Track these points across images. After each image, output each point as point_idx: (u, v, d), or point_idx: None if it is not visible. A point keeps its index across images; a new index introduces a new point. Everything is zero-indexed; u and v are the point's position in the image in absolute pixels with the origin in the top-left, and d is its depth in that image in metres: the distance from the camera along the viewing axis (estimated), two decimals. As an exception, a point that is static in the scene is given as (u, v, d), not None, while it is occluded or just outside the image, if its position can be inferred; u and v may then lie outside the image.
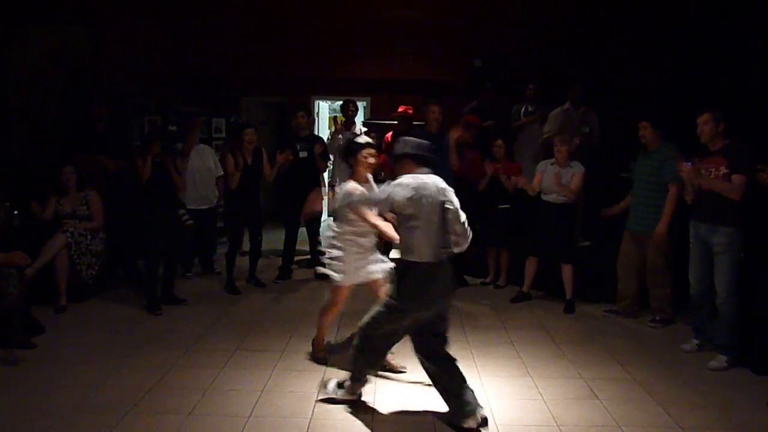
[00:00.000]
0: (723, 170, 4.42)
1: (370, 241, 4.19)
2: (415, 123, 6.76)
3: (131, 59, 7.94)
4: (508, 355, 4.65)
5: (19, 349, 4.42)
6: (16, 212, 5.40)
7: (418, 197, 3.47)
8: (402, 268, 3.55)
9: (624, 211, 5.58)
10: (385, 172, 6.49)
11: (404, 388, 4.05)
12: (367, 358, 3.68)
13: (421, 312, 3.52)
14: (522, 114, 7.54)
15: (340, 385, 3.78)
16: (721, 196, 4.41)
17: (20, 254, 4.55)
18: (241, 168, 6.00)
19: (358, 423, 3.56)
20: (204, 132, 7.83)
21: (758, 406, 3.86)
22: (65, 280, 5.46)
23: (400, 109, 7.15)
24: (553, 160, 5.82)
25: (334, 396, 3.77)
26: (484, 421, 3.52)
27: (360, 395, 3.78)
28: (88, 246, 5.64)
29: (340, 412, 3.68)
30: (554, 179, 5.65)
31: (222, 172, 6.51)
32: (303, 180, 6.44)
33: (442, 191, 3.57)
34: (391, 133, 7.03)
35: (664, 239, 5.05)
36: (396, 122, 7.06)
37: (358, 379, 3.72)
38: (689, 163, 4.57)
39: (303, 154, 6.59)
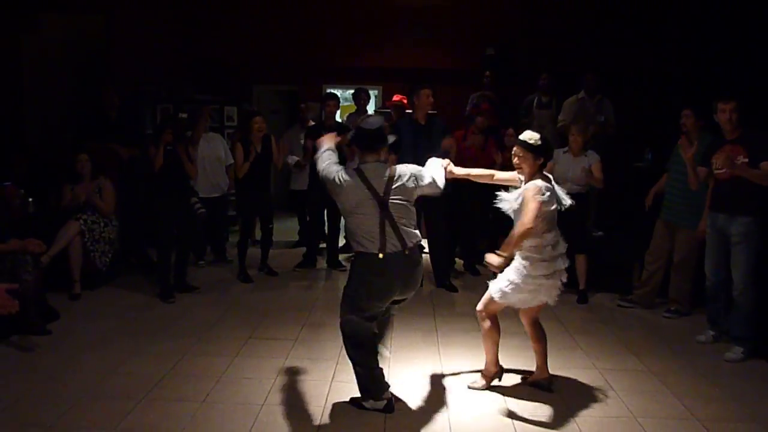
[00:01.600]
0: (741, 159, 4.34)
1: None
2: (408, 111, 6.71)
3: (144, 47, 7.94)
4: (522, 346, 4.59)
5: (34, 335, 4.46)
6: (30, 200, 5.43)
7: (344, 187, 3.39)
8: (354, 257, 3.55)
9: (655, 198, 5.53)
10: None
11: (417, 377, 4.04)
12: (359, 352, 3.52)
13: (374, 303, 3.45)
14: (535, 105, 7.47)
15: (362, 398, 3.56)
16: (740, 185, 4.34)
17: (35, 241, 4.59)
18: (253, 157, 5.99)
19: (367, 412, 3.55)
20: (216, 120, 7.83)
21: (775, 398, 3.82)
22: (79, 268, 5.48)
23: (394, 98, 7.10)
24: (566, 149, 5.76)
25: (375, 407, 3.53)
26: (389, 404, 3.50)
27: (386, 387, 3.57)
28: (101, 233, 5.66)
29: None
30: (581, 173, 5.56)
31: (232, 161, 6.51)
32: None
33: (388, 180, 3.41)
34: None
35: (705, 235, 4.81)
36: (390, 111, 7.03)
37: (369, 379, 3.52)
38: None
39: None
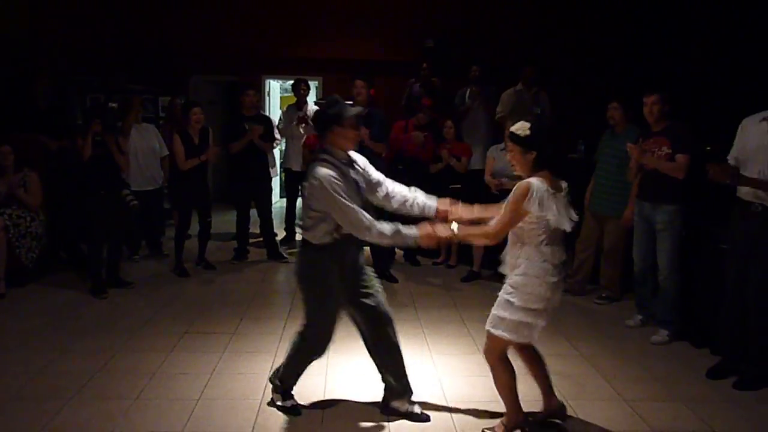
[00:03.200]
0: (665, 150, 4.53)
1: None
2: (347, 102, 6.70)
3: (73, 34, 7.63)
4: (459, 333, 4.71)
5: (-46, 336, 4.25)
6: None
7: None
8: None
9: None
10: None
11: (355, 368, 4.05)
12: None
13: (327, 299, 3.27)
14: (467, 97, 7.57)
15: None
16: (664, 175, 4.52)
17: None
18: (205, 158, 5.90)
19: (311, 402, 3.54)
20: (150, 111, 7.62)
21: (698, 378, 4.00)
22: (4, 265, 5.25)
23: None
24: (503, 146, 5.85)
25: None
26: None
27: None
28: (27, 228, 5.43)
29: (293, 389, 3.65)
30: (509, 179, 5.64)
31: (167, 153, 6.35)
32: (253, 161, 6.37)
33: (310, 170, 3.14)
34: None
35: (631, 223, 5.00)
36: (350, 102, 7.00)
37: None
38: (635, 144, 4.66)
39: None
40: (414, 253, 6.77)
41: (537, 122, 3.20)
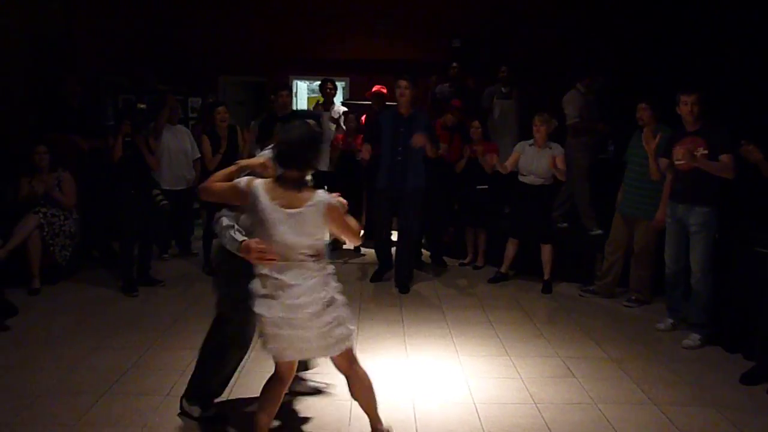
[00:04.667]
0: (701, 151, 4.45)
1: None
2: (388, 103, 6.71)
3: (105, 35, 7.76)
4: (487, 335, 4.69)
5: (-9, 330, 4.36)
6: (-13, 193, 5.29)
7: None
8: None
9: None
10: (362, 155, 6.43)
11: (383, 367, 4.06)
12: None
13: None
14: (496, 95, 7.52)
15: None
16: (699, 176, 4.44)
17: (-9, 235, 4.47)
18: (223, 150, 5.93)
19: (335, 397, 3.56)
20: (180, 112, 7.72)
21: (730, 383, 3.93)
22: (38, 262, 5.36)
23: (374, 89, 7.10)
24: (531, 141, 5.82)
25: None
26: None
27: None
28: (61, 227, 5.54)
29: (312, 386, 3.68)
30: (549, 165, 5.60)
31: (199, 155, 6.43)
32: None
33: None
34: (365, 114, 6.99)
35: (662, 225, 4.90)
36: (370, 103, 7.03)
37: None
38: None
39: None
40: (440, 253, 6.76)
41: None
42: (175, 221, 6.60)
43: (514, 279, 6.12)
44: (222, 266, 3.20)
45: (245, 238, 2.83)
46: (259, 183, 2.78)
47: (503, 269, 6.10)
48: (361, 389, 3.04)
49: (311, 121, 2.87)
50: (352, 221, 2.90)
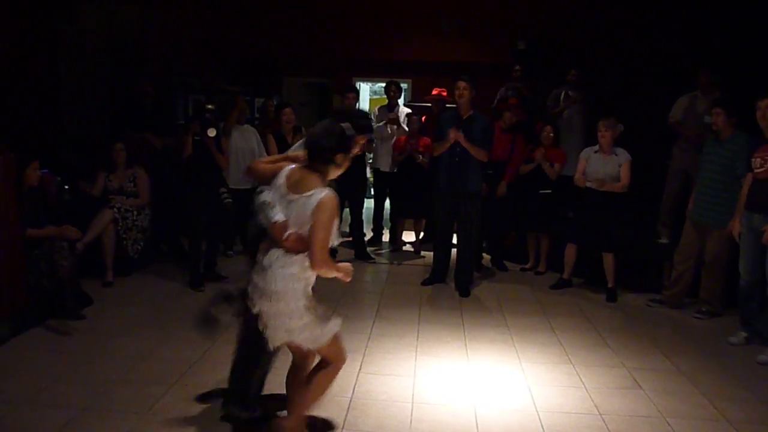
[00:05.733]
0: (780, 159, 4.27)
1: None
2: (448, 105, 6.69)
3: (177, 38, 8.04)
4: (549, 342, 4.61)
5: (69, 319, 4.56)
6: (66, 187, 5.55)
7: None
8: None
9: None
10: (423, 156, 6.41)
11: (444, 371, 4.05)
12: None
13: None
14: (562, 99, 7.39)
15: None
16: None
17: (71, 228, 4.68)
18: (281, 149, 6.02)
19: (396, 399, 3.57)
20: (247, 113, 7.90)
21: (809, 403, 3.75)
22: (112, 255, 5.58)
23: (434, 92, 7.09)
24: (596, 147, 5.69)
25: None
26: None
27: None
28: (134, 222, 5.75)
29: (379, 393, 3.70)
30: (608, 185, 5.49)
31: (265, 154, 6.56)
32: (352, 162, 6.43)
33: None
34: (424, 116, 6.99)
35: (737, 234, 4.70)
36: (430, 105, 7.03)
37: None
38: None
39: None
40: (501, 257, 6.69)
41: None
42: (241, 219, 6.75)
43: (577, 286, 5.99)
44: (254, 243, 3.17)
45: (280, 217, 2.82)
46: (287, 167, 2.88)
47: (565, 275, 5.98)
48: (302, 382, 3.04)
49: (346, 125, 2.88)
50: (325, 240, 2.73)
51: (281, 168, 2.90)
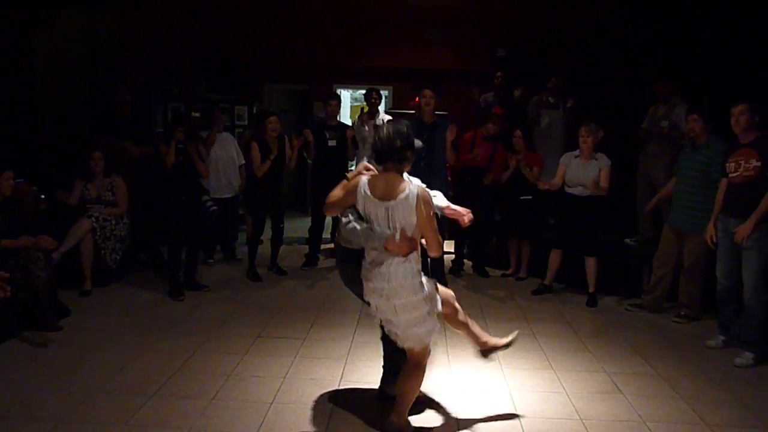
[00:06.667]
0: (754, 163, 4.33)
1: None
2: (411, 112, 6.73)
3: (156, 45, 7.98)
4: (530, 348, 4.62)
5: (46, 331, 4.50)
6: (43, 196, 5.48)
7: None
8: None
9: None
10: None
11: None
12: None
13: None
14: (542, 106, 7.41)
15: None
16: (752, 190, 4.32)
17: (47, 238, 4.62)
18: (273, 156, 6.00)
19: (376, 412, 3.56)
20: (227, 120, 7.86)
21: (786, 405, 3.80)
22: (90, 265, 5.52)
23: (417, 99, 7.11)
24: (577, 152, 5.74)
25: None
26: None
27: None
28: (112, 231, 5.69)
29: (361, 401, 3.68)
30: (592, 184, 5.53)
31: (244, 161, 6.54)
32: (331, 169, 6.40)
33: None
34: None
35: (713, 239, 4.72)
36: (414, 112, 7.04)
37: None
38: None
39: (332, 143, 6.56)
40: (483, 264, 6.71)
41: None
42: (221, 227, 6.72)
43: (558, 291, 6.03)
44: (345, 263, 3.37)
45: (363, 225, 3.07)
46: (364, 179, 3.05)
47: (547, 281, 6.02)
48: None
49: (405, 121, 3.13)
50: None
51: (355, 186, 3.07)
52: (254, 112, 7.61)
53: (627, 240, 6.36)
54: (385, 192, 2.99)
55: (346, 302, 5.60)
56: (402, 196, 2.94)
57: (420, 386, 3.30)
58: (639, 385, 4.02)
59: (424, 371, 3.24)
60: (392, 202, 2.97)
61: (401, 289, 3.02)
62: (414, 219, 2.97)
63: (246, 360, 4.21)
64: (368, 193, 3.02)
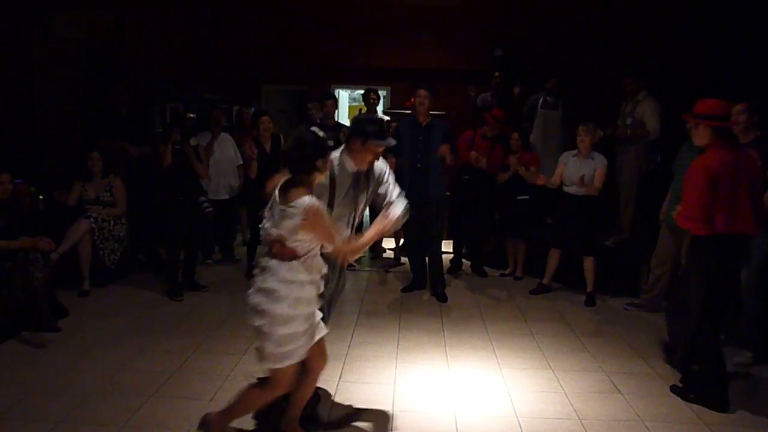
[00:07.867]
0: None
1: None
2: (407, 112, 6.73)
3: (154, 46, 7.98)
4: (529, 347, 4.63)
5: (44, 332, 4.50)
6: (41, 197, 5.47)
7: None
8: None
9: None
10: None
11: (424, 377, 4.05)
12: None
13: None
14: (540, 105, 7.42)
15: None
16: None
17: (45, 239, 4.62)
18: (256, 156, 5.98)
19: (376, 412, 3.56)
20: (225, 120, 7.85)
21: (784, 403, 3.81)
22: (88, 265, 5.51)
23: (412, 100, 7.11)
24: (575, 151, 5.74)
25: None
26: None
27: None
28: (110, 232, 5.68)
29: (359, 401, 3.69)
30: (579, 181, 5.55)
31: (242, 162, 6.53)
32: None
33: None
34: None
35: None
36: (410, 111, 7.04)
37: None
38: None
39: (329, 143, 6.54)
40: (481, 264, 6.72)
41: None
42: (219, 228, 6.71)
43: (556, 291, 6.04)
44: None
45: (268, 226, 3.00)
46: (283, 179, 3.00)
47: (545, 280, 6.03)
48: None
49: (313, 129, 3.09)
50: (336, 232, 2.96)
51: (275, 185, 3.04)
52: (240, 111, 7.52)
53: (606, 242, 6.40)
54: (285, 197, 2.90)
55: (344, 302, 5.60)
56: (291, 204, 2.84)
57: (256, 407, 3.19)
58: (637, 384, 4.02)
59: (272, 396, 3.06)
60: (283, 207, 2.87)
61: (278, 292, 2.93)
62: (295, 230, 2.84)
63: (244, 361, 4.21)
64: (276, 192, 2.97)
